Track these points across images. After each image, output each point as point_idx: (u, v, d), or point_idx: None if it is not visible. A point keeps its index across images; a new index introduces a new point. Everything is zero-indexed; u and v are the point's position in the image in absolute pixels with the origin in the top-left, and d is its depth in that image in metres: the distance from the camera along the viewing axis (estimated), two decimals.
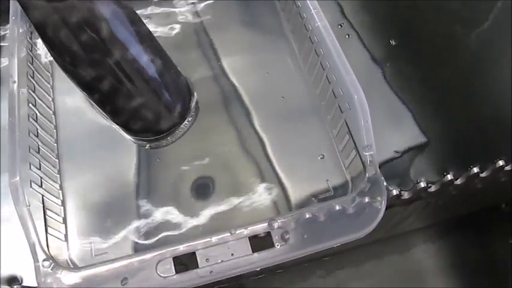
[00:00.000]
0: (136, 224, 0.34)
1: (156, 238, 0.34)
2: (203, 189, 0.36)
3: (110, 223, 0.34)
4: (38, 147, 0.34)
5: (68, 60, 0.31)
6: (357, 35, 0.44)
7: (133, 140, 0.38)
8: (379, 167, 0.34)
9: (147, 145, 0.37)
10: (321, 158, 0.37)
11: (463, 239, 0.53)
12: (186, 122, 0.38)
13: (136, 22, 0.33)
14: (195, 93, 0.39)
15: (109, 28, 0.30)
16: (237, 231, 0.30)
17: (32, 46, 0.37)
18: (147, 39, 0.33)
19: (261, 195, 0.36)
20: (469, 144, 0.38)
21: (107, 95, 0.33)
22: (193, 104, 0.38)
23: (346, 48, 0.43)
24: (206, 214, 0.35)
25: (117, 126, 0.37)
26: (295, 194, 0.36)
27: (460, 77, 0.42)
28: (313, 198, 0.36)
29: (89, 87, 0.33)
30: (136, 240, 0.34)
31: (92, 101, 0.35)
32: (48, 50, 0.32)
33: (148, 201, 0.35)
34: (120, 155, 0.37)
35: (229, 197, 0.36)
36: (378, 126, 0.39)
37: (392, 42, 0.43)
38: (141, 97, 0.33)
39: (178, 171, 0.37)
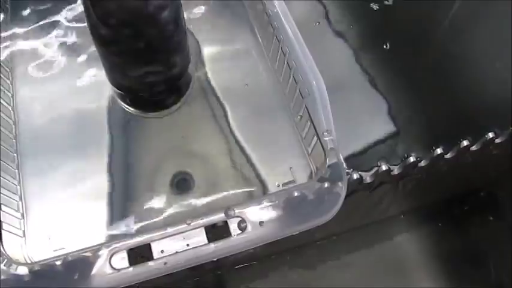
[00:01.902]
0: (101, 216, 0.34)
1: (122, 231, 0.34)
2: (171, 183, 0.36)
3: (72, 217, 0.34)
4: None
5: None
6: (331, 24, 0.44)
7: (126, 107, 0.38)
8: (352, 154, 0.34)
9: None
10: (285, 145, 0.37)
11: (444, 226, 0.53)
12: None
13: None
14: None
15: None
16: (193, 222, 0.29)
17: None
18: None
19: (224, 185, 0.35)
20: (435, 127, 0.38)
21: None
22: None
23: (322, 36, 0.43)
24: (171, 206, 0.35)
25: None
26: (261, 182, 0.35)
27: (432, 67, 0.42)
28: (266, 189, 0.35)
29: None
30: (102, 232, 0.33)
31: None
32: None
33: (116, 194, 0.35)
34: (85, 148, 0.37)
35: (199, 189, 0.35)
36: (352, 114, 0.39)
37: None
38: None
39: (143, 167, 0.36)
